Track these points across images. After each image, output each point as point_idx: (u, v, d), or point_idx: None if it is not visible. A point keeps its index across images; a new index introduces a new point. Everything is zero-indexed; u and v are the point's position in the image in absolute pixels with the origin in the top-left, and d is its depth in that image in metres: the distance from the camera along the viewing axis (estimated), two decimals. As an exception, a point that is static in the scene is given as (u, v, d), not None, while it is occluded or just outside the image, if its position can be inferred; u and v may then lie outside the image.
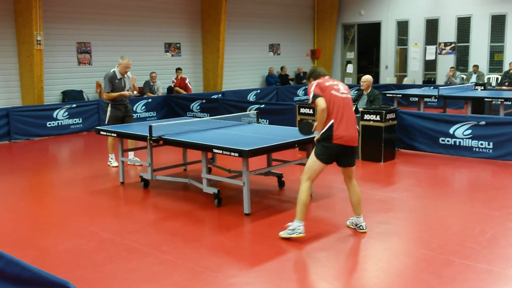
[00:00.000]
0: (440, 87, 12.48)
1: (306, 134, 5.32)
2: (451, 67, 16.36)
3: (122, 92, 7.90)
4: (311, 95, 4.75)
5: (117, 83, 7.88)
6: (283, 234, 4.87)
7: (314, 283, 4.18)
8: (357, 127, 4.95)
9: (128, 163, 7.94)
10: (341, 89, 4.83)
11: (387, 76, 18.71)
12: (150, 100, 13.32)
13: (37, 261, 4.29)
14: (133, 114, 9.07)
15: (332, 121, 4.71)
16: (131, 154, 8.19)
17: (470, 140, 8.35)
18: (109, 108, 7.92)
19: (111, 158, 8.20)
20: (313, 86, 4.79)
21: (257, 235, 5.13)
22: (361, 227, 5.05)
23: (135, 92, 8.14)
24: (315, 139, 4.90)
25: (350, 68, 19.93)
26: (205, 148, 5.81)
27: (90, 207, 6.15)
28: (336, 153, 4.80)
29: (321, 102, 4.68)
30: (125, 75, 7.97)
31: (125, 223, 5.52)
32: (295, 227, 4.78)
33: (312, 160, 4.82)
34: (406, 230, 5.32)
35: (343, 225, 5.27)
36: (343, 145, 4.74)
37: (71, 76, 13.29)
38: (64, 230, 5.34)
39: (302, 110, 9.44)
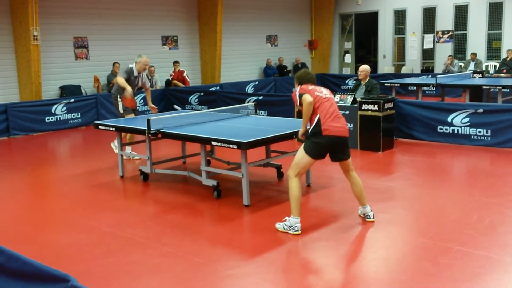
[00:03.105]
0: (438, 76, 12.50)
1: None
2: (449, 56, 16.34)
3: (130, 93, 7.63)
4: (297, 95, 4.86)
5: (132, 79, 7.86)
6: (279, 227, 4.89)
7: (313, 272, 4.21)
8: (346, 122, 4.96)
9: (124, 157, 7.91)
10: (324, 92, 4.96)
11: (385, 65, 18.68)
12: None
13: (38, 255, 4.31)
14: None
15: (318, 115, 4.77)
16: (128, 148, 8.18)
17: (468, 128, 8.37)
18: (119, 100, 7.88)
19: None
20: (297, 90, 4.92)
21: (257, 226, 5.16)
22: (368, 217, 5.09)
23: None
24: (299, 134, 4.99)
25: (348, 58, 19.92)
26: (204, 141, 5.82)
27: (90, 201, 6.18)
28: (327, 147, 4.82)
29: (307, 97, 4.78)
30: (141, 74, 7.93)
31: (125, 216, 5.54)
32: (292, 224, 4.81)
33: (301, 155, 4.84)
34: (404, 219, 5.35)
35: (342, 215, 5.30)
36: (333, 136, 4.75)
37: (68, 71, 13.25)
38: (64, 224, 5.37)
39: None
